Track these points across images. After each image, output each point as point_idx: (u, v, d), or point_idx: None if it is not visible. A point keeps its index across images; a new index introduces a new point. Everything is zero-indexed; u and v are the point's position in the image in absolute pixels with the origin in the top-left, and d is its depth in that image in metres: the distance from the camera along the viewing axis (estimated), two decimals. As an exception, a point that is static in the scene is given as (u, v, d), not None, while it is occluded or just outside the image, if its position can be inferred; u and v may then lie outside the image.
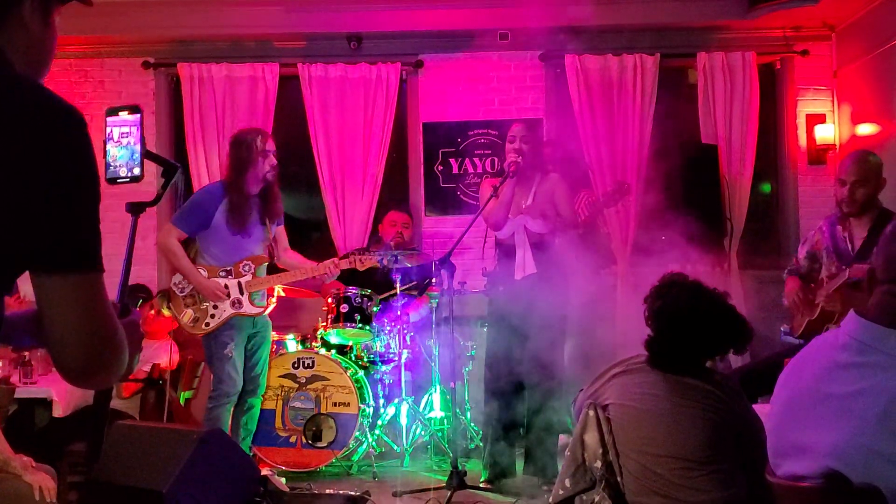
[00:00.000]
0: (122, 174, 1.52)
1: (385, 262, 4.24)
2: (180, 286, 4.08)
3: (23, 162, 1.02)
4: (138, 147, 1.53)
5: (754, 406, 2.30)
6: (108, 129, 1.54)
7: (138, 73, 5.57)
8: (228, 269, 4.05)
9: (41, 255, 1.06)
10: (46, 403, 4.02)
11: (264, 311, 4.09)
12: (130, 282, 5.12)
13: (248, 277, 4.05)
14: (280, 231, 4.27)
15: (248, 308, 4.03)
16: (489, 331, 4.18)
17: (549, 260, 4.06)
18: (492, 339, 4.14)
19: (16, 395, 3.79)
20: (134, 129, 1.55)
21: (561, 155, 4.81)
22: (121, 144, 1.53)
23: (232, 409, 4.05)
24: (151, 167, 1.64)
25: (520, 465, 4.12)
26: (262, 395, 4.25)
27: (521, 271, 4.01)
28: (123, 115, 1.55)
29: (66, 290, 1.07)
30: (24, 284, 1.14)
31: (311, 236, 5.82)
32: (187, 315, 4.05)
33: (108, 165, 1.51)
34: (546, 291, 3.96)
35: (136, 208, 1.64)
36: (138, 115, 1.56)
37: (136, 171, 1.52)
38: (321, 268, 4.13)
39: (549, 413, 3.97)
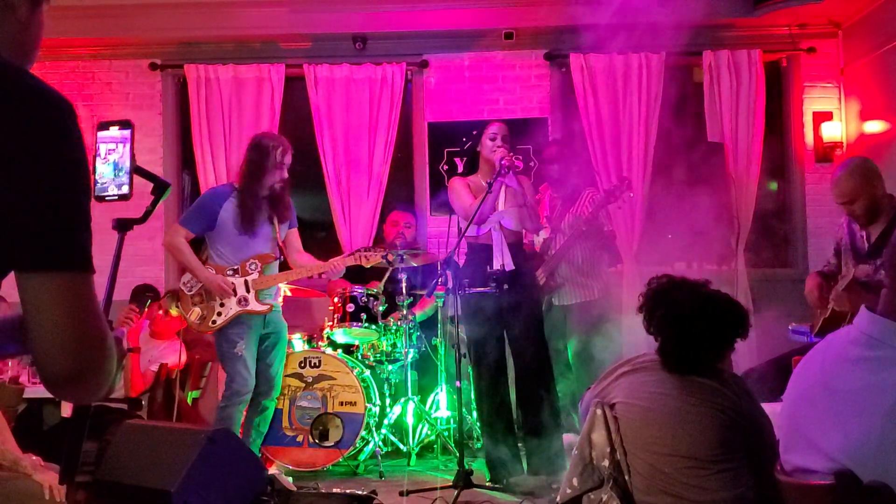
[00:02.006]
0: (111, 191, 1.46)
1: (390, 258, 4.26)
2: (188, 285, 4.12)
3: (5, 152, 0.96)
4: (128, 164, 1.47)
5: (763, 405, 2.29)
6: (98, 145, 1.49)
7: (145, 75, 5.60)
8: (235, 267, 4.07)
9: (25, 253, 0.98)
10: (56, 403, 4.04)
11: (271, 308, 4.10)
12: (139, 281, 5.12)
13: (255, 276, 4.07)
14: (293, 234, 4.28)
15: (254, 305, 4.04)
16: (467, 330, 4.15)
17: (522, 256, 4.10)
18: (471, 340, 4.13)
19: (25, 395, 3.81)
20: (125, 146, 1.49)
21: (566, 154, 4.80)
22: (110, 161, 1.48)
23: (245, 409, 4.07)
24: (147, 184, 1.60)
25: (523, 462, 4.12)
26: (277, 398, 4.25)
27: (500, 268, 4.02)
28: (114, 130, 1.50)
29: (53, 290, 0.98)
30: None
31: (317, 236, 5.83)
32: (194, 313, 4.07)
33: (95, 182, 1.44)
34: (521, 286, 3.97)
35: (123, 225, 1.59)
36: (129, 131, 1.50)
37: (125, 188, 1.46)
38: (327, 265, 4.15)
39: (541, 408, 3.98)
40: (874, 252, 3.53)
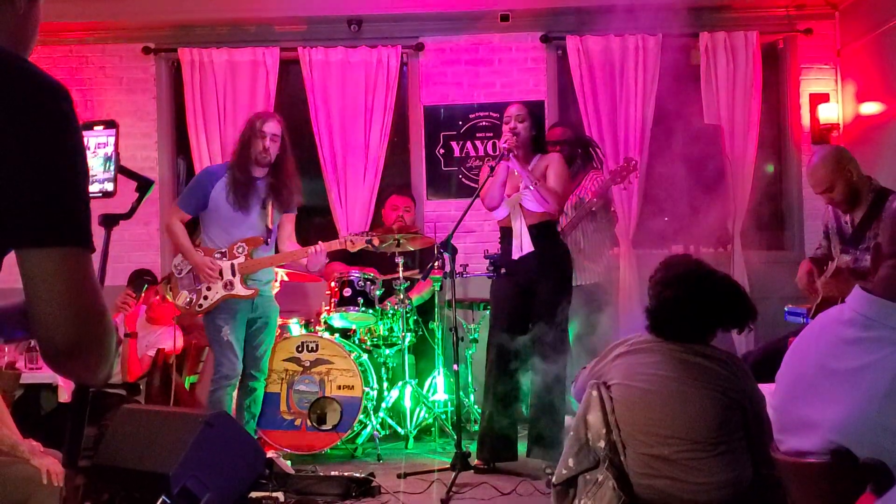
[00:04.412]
0: (94, 189, 1.49)
1: (375, 242, 4.24)
2: (179, 267, 4.11)
3: (6, 136, 1.01)
4: (112, 162, 1.51)
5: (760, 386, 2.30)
6: (87, 139, 1.51)
7: (139, 59, 5.55)
8: (223, 250, 4.04)
9: (26, 231, 1.02)
10: (53, 388, 4.05)
11: (256, 293, 4.05)
12: (135, 266, 5.10)
13: (241, 259, 4.03)
14: (288, 220, 4.22)
15: (239, 290, 4.01)
16: (491, 313, 4.20)
17: (547, 238, 4.06)
18: (492, 321, 4.15)
19: (22, 381, 3.82)
20: (109, 144, 1.53)
21: (571, 136, 4.79)
22: (99, 155, 1.51)
23: (234, 392, 4.06)
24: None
25: (522, 446, 4.14)
26: (266, 379, 4.25)
27: (519, 251, 4.02)
28: (99, 130, 1.53)
29: (53, 265, 1.02)
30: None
31: (314, 221, 5.82)
32: (182, 296, 4.06)
33: None
34: (544, 269, 3.97)
35: (109, 221, 1.60)
36: (114, 130, 1.54)
37: (109, 186, 1.50)
38: (306, 250, 4.10)
39: (552, 395, 3.99)
40: (856, 237, 3.53)
